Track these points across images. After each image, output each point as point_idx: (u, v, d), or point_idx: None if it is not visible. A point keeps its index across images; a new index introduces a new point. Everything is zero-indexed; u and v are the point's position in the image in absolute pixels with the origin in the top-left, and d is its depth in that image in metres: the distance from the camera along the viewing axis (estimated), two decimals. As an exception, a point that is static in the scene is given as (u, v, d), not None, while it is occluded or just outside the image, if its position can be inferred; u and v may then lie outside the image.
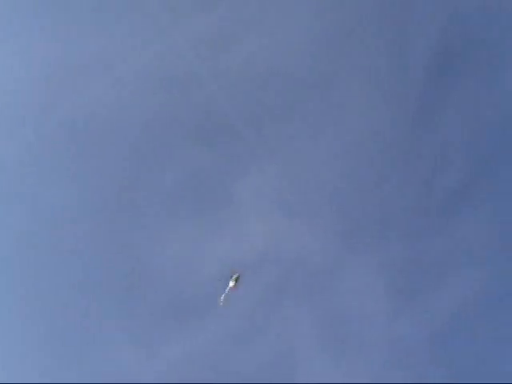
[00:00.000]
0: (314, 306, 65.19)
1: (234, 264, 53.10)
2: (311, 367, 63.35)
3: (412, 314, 65.03)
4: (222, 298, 51.16)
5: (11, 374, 60.77)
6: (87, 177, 65.60)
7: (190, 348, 62.70)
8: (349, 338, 65.10)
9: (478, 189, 66.21)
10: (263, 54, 66.45)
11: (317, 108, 66.96)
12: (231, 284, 51.23)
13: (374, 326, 65.07)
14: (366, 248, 66.76)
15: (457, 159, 66.89)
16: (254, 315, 63.61)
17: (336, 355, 63.96)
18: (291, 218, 66.30)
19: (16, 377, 59.80)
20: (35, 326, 63.51)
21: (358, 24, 67.01)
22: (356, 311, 65.58)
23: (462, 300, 63.99)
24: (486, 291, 63.96)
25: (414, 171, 67.17)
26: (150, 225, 64.89)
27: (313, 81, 66.85)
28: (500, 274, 64.00)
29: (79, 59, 64.87)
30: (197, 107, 65.97)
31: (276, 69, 66.41)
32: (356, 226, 67.35)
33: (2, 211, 64.60)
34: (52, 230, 64.64)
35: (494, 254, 64.97)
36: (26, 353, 62.82)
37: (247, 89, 66.09)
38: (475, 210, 65.96)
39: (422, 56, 66.87)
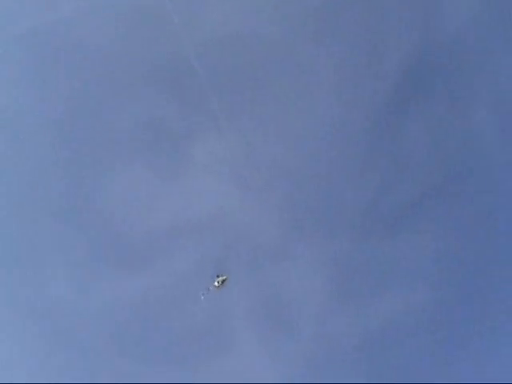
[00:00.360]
0: (253, 281, 65.17)
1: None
2: (241, 341, 63.61)
3: (347, 314, 65.67)
4: (205, 293, 53.23)
5: None
6: (44, 112, 64.11)
7: (125, 293, 62.41)
8: (280, 322, 65.29)
9: (430, 205, 67.38)
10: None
11: (288, 90, 67.18)
12: (216, 284, 53.74)
13: (307, 316, 65.24)
14: (314, 240, 67.10)
15: (415, 173, 67.70)
16: (192, 278, 62.83)
17: (265, 335, 64.41)
18: (243, 190, 66.33)
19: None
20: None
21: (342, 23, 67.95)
22: (293, 298, 65.72)
23: (398, 309, 64.86)
24: (422, 305, 65.02)
25: (371, 177, 67.82)
26: (103, 164, 64.05)
27: (290, 63, 67.16)
28: (438, 290, 65.54)
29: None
30: (166, 60, 65.41)
31: (257, 48, 66.35)
32: (306, 216, 67.61)
33: None
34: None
35: (435, 271, 66.25)
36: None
37: (220, 54, 65.88)
38: (424, 225, 66.93)
39: (393, 70, 67.67)
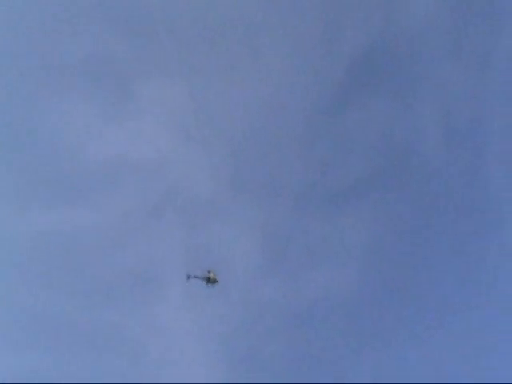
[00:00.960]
0: (187, 235, 65.39)
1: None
2: (170, 293, 63.09)
3: (277, 283, 66.17)
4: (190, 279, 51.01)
5: None
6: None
7: (59, 224, 61.58)
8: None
9: (369, 191, 69.53)
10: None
11: (244, 55, 66.88)
12: (205, 278, 51.04)
13: (237, 279, 65.16)
14: (252, 204, 67.13)
15: (357, 159, 69.59)
16: (128, 221, 63.76)
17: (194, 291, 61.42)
18: (187, 141, 66.39)
19: None
20: None
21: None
22: (224, 259, 64.89)
23: (327, 285, 66.31)
24: (351, 284, 66.39)
25: (317, 155, 69.09)
26: (45, 97, 62.16)
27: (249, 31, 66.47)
28: (367, 272, 67.18)
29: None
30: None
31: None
32: (247, 179, 67.72)
33: None
34: None
35: (366, 253, 67.83)
36: None
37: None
38: (361, 209, 68.81)
39: (348, 58, 68.53)
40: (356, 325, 65.79)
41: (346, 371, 63.03)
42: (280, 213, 67.25)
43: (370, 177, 68.73)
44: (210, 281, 50.39)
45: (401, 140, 69.20)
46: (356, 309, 66.18)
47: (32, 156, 61.55)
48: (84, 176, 62.44)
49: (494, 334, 65.69)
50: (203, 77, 65.65)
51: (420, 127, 69.30)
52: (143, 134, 64.33)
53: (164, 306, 63.10)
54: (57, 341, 59.97)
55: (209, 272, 50.63)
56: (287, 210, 67.49)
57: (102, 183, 63.20)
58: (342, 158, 68.68)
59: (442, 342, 65.18)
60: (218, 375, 61.75)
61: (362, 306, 66.30)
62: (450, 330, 65.64)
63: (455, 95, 69.13)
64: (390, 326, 65.95)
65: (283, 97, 67.08)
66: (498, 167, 68.77)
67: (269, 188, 67.42)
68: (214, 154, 66.57)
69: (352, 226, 67.61)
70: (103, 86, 63.30)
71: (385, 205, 68.47)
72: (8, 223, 60.14)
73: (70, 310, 60.00)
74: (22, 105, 60.94)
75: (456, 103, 69.32)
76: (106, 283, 62.09)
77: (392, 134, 69.14)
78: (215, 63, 65.93)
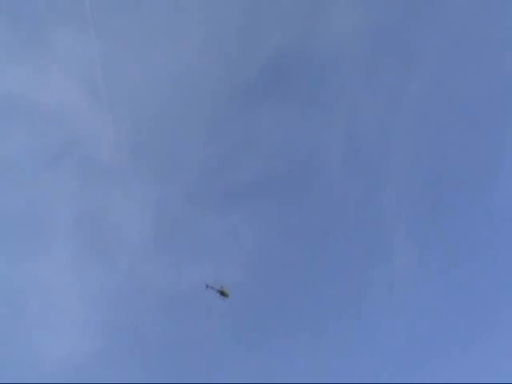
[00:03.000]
0: (80, 189, 66.66)
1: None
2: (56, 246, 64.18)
3: (163, 263, 67.29)
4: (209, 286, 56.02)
5: None
6: None
7: None
8: (98, 246, 66.95)
9: (266, 192, 72.01)
10: None
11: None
12: (219, 291, 56.05)
13: (126, 250, 66.40)
14: (152, 178, 68.89)
15: (259, 158, 71.89)
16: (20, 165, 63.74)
17: (81, 252, 65.68)
18: (93, 96, 66.35)
19: None
20: None
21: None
22: (116, 226, 67.34)
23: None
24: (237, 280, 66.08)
25: (220, 146, 71.53)
26: None
27: None
28: (248, 271, 68.64)
29: None
30: None
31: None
32: (148, 148, 69.04)
33: None
34: None
35: (256, 254, 69.70)
36: None
37: None
38: (257, 209, 71.48)
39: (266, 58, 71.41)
40: (236, 318, 67.63)
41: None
42: (174, 197, 69.04)
43: (268, 179, 71.61)
44: (223, 294, 55.92)
45: (303, 151, 72.76)
46: (238, 305, 66.87)
47: None
48: None
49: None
50: (121, 37, 67.08)
51: (323, 142, 73.15)
52: (50, 79, 64.35)
53: (46, 261, 63.56)
54: None
55: (222, 287, 55.92)
56: (182, 194, 69.34)
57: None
58: (243, 156, 71.27)
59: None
60: (91, 343, 62.74)
61: (245, 303, 68.05)
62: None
63: (363, 120, 73.45)
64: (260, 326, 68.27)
65: (196, 79, 69.23)
66: (395, 195, 72.70)
67: (168, 168, 69.36)
68: (119, 118, 67.08)
69: (243, 224, 70.10)
70: (16, 25, 62.79)
71: (279, 208, 71.84)
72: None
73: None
74: None
75: (362, 128, 73.62)
76: None
77: (296, 143, 72.80)
78: (137, 26, 67.50)
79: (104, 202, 66.81)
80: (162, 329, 64.76)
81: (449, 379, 64.17)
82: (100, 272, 65.06)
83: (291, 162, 71.96)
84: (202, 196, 69.52)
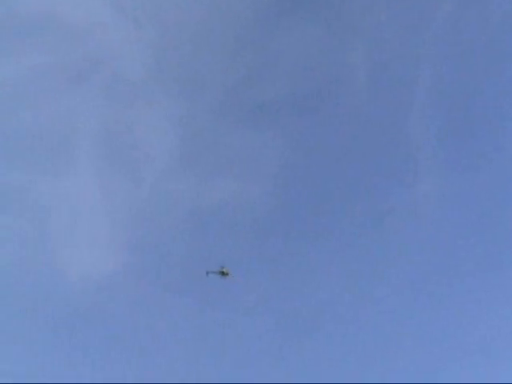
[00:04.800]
0: (106, 106, 65.08)
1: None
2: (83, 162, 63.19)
3: (189, 183, 65.53)
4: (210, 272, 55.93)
5: None
6: None
7: None
8: (124, 165, 65.31)
9: (292, 110, 69.39)
10: None
11: None
12: (220, 272, 56.04)
13: (152, 169, 64.99)
14: (178, 95, 66.87)
15: (280, 74, 69.43)
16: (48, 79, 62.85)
17: (106, 171, 64.26)
18: (121, 13, 65.56)
19: None
20: None
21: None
22: (142, 145, 65.81)
23: (236, 194, 65.89)
24: (259, 195, 65.81)
25: (244, 64, 68.93)
26: None
27: None
28: (277, 185, 67.02)
29: None
30: None
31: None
32: (174, 66, 67.09)
33: None
34: None
35: (277, 167, 67.78)
36: None
37: None
38: (277, 124, 68.42)
39: None
40: (261, 235, 66.13)
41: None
42: (200, 113, 67.19)
43: (294, 98, 69.11)
44: (223, 274, 55.95)
45: (327, 68, 70.10)
46: (262, 222, 66.64)
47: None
48: (3, 25, 61.20)
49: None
50: None
51: (349, 61, 69.92)
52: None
53: (71, 177, 62.81)
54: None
55: (222, 267, 55.80)
56: (208, 111, 67.55)
57: (23, 36, 61.94)
58: (269, 72, 68.89)
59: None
60: (116, 259, 61.77)
61: (268, 222, 66.74)
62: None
63: (389, 38, 69.74)
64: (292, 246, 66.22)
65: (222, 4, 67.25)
66: (421, 117, 69.46)
67: (195, 84, 67.54)
68: (145, 35, 65.96)
69: (270, 142, 68.00)
70: None
71: (304, 126, 69.21)
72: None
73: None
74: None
75: (388, 46, 69.81)
76: (10, 141, 61.47)
77: (320, 60, 69.87)
78: None
79: (130, 118, 65.72)
80: (186, 245, 63.39)
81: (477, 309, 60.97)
82: (125, 188, 64.33)
83: (315, 80, 69.48)
84: (227, 112, 67.80)
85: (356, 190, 67.80)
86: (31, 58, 62.48)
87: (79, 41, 64.58)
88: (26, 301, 58.17)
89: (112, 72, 65.58)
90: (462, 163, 68.59)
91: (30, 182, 61.45)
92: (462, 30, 69.58)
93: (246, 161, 67.31)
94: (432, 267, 65.01)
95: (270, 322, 62.13)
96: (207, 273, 55.52)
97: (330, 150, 69.04)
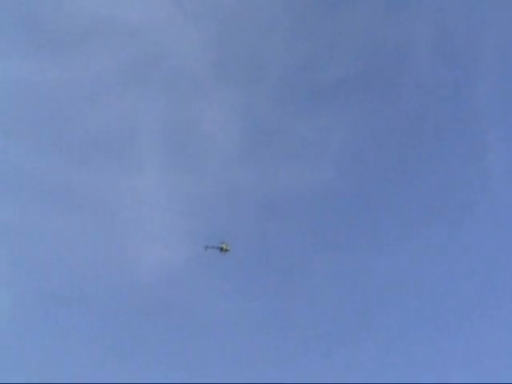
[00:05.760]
0: (168, 102, 65.46)
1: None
2: (147, 163, 63.61)
3: (254, 172, 64.88)
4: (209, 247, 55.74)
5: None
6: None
7: (37, 76, 60.89)
8: (189, 158, 65.61)
9: (355, 90, 68.49)
10: None
11: None
12: (219, 248, 55.96)
13: (216, 161, 65.22)
14: (237, 86, 66.52)
15: (347, 52, 67.54)
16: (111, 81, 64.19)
17: (172, 166, 64.40)
18: (179, 8, 65.92)
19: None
20: None
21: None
22: (206, 139, 65.77)
23: (302, 181, 64.27)
24: (326, 182, 64.07)
25: (303, 47, 67.94)
26: None
27: None
28: (343, 172, 65.36)
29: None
30: None
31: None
32: (233, 58, 66.84)
33: None
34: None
35: (347, 155, 66.18)
36: None
37: None
38: (343, 106, 67.26)
39: None
40: (330, 222, 65.06)
41: (305, 265, 62.63)
42: (262, 101, 66.66)
43: (356, 77, 67.52)
44: (222, 250, 55.62)
45: (391, 44, 67.80)
46: (330, 208, 65.64)
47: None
48: (68, 30, 62.66)
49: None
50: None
51: (413, 35, 67.72)
52: None
53: (139, 174, 63.62)
54: (31, 196, 60.46)
55: (222, 243, 55.49)
56: (270, 98, 66.71)
57: (87, 39, 63.58)
58: (328, 54, 67.33)
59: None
60: (183, 252, 61.58)
61: (336, 206, 65.64)
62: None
63: (454, 11, 67.77)
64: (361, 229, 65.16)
65: None
66: (490, 89, 67.01)
67: (253, 73, 67.04)
68: (203, 29, 66.17)
69: (333, 125, 66.49)
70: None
71: (368, 107, 67.35)
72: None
73: (39, 165, 60.60)
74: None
75: (453, 19, 67.92)
76: (79, 142, 62.69)
77: (383, 37, 67.73)
78: None
79: (192, 112, 65.92)
80: (253, 236, 62.76)
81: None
82: (190, 181, 64.39)
83: (379, 58, 67.52)
84: (289, 98, 66.72)
85: (425, 165, 66.10)
86: (94, 61, 64.13)
87: (139, 40, 65.71)
88: (103, 294, 59.55)
89: (172, 68, 66.37)
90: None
91: (99, 182, 62.91)
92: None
93: (309, 146, 66.15)
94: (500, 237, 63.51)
95: (344, 314, 60.96)
96: (206, 247, 54.59)
97: (397, 129, 66.82)
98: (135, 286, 60.03)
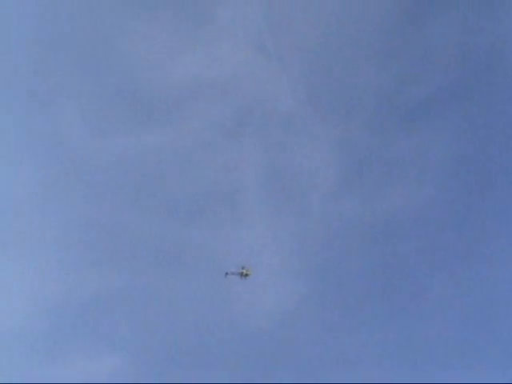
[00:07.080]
0: (265, 153, 66.32)
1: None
2: (250, 210, 64.85)
3: (355, 200, 65.23)
4: (229, 273, 55.93)
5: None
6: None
7: (139, 146, 64.34)
8: (290, 196, 65.87)
9: (448, 104, 66.58)
10: None
11: None
12: (241, 272, 56.20)
13: (317, 195, 65.59)
14: (329, 120, 66.96)
15: (437, 69, 66.51)
16: (205, 138, 65.66)
17: (274, 207, 65.15)
18: (263, 58, 66.39)
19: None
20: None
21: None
22: (304, 175, 66.08)
23: (404, 202, 64.74)
24: (428, 201, 64.13)
25: (393, 68, 67.49)
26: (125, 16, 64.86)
27: None
28: (444, 189, 64.55)
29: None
30: None
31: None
32: (324, 94, 67.14)
33: None
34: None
35: (444, 170, 65.12)
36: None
37: None
38: (439, 123, 65.79)
39: None
40: (434, 242, 63.93)
41: (424, 285, 62.22)
42: (357, 128, 66.51)
43: (450, 90, 65.55)
44: (243, 275, 55.42)
45: (483, 51, 65.12)
46: (434, 227, 64.42)
47: (110, 78, 65.20)
48: (161, 98, 65.08)
49: None
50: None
51: (504, 39, 64.44)
52: (219, 53, 65.50)
53: (244, 223, 64.87)
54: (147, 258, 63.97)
55: (243, 268, 55.30)
56: (364, 125, 66.60)
57: (180, 104, 65.60)
58: (419, 70, 66.00)
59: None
60: (297, 288, 62.74)
61: (440, 225, 64.30)
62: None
63: None
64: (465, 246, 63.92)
65: (360, 10, 65.66)
66: None
67: (345, 103, 66.86)
68: (291, 70, 66.70)
69: (431, 142, 65.25)
70: (181, 9, 65.55)
71: (466, 119, 65.24)
72: (86, 146, 64.13)
73: (149, 227, 63.52)
74: (101, 27, 63.99)
75: None
76: (184, 203, 64.92)
77: (473, 44, 65.32)
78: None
79: (290, 153, 66.60)
80: (363, 264, 62.60)
81: None
82: (296, 220, 64.98)
83: (473, 66, 65.26)
84: (382, 123, 66.25)
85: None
86: (191, 122, 66.30)
87: (229, 93, 67.07)
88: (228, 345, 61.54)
89: (264, 113, 67.05)
90: None
91: (210, 237, 64.45)
92: None
93: (409, 167, 65.27)
94: None
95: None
96: (226, 274, 54.14)
97: (496, 140, 64.25)
98: (255, 326, 61.76)
